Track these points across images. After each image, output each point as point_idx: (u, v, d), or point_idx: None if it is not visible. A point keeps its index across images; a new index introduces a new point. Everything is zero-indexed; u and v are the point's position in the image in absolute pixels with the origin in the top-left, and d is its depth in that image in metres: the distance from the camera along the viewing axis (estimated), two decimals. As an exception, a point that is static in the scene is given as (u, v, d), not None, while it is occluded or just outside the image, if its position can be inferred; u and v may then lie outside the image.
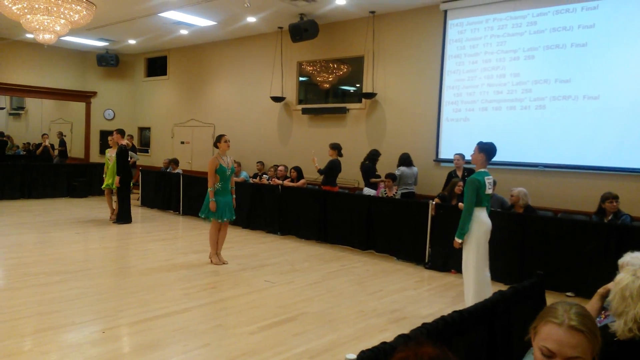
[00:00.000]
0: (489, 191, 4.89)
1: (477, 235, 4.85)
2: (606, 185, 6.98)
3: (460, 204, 7.04)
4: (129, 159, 9.94)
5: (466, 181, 5.00)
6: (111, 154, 9.83)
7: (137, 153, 13.93)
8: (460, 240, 4.90)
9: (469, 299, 4.80)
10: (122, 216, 9.68)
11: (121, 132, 9.80)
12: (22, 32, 12.15)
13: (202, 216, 6.90)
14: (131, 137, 13.35)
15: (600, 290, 2.61)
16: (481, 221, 4.86)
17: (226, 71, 13.21)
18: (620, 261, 2.56)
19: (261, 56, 12.16)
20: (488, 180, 4.88)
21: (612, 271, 2.53)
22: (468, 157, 8.14)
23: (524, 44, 8.20)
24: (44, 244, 7.74)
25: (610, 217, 6.21)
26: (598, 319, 2.60)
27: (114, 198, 9.86)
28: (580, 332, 1.51)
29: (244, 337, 4.28)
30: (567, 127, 7.77)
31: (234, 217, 7.03)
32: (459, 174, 8.04)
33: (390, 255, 7.70)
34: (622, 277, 2.17)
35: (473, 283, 4.84)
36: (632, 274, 2.14)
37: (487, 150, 4.92)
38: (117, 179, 9.52)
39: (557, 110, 7.87)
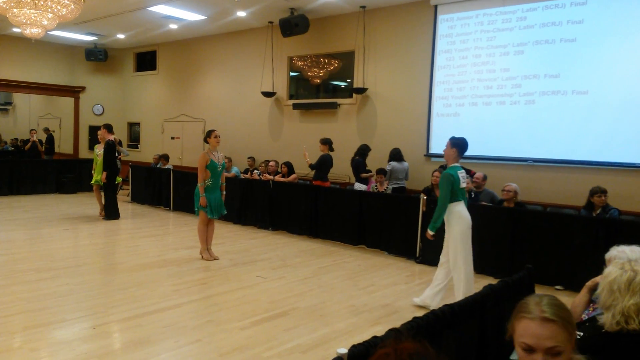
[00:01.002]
0: (463, 185, 4.94)
1: (462, 229, 4.88)
2: (595, 180, 7.04)
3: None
4: (118, 155, 9.86)
5: (440, 176, 5.01)
6: (99, 149, 9.75)
7: (127, 149, 13.83)
8: (432, 233, 4.93)
9: (460, 294, 4.81)
10: (109, 212, 9.62)
11: (108, 128, 9.71)
12: (8, 26, 12.00)
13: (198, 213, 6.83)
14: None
15: (589, 284, 2.64)
16: (462, 215, 4.91)
17: (216, 66, 13.14)
18: (607, 255, 2.58)
19: (251, 51, 12.11)
20: (461, 174, 4.94)
21: (600, 265, 2.55)
22: (476, 153, 8.13)
23: (513, 39, 8.23)
24: (33, 241, 7.68)
25: (598, 211, 6.28)
26: (586, 311, 2.63)
27: (103, 194, 9.80)
28: (554, 322, 1.54)
29: (235, 333, 4.28)
30: (556, 122, 7.83)
31: (226, 212, 7.02)
32: None
33: (382, 250, 7.73)
34: (610, 271, 2.19)
35: (464, 278, 4.86)
36: (619, 267, 2.16)
37: (459, 145, 4.97)
38: (103, 174, 9.46)
39: (547, 105, 7.92)
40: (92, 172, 10.03)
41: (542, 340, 1.53)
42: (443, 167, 8.10)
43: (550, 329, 1.53)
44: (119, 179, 9.92)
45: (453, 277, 4.99)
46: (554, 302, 1.60)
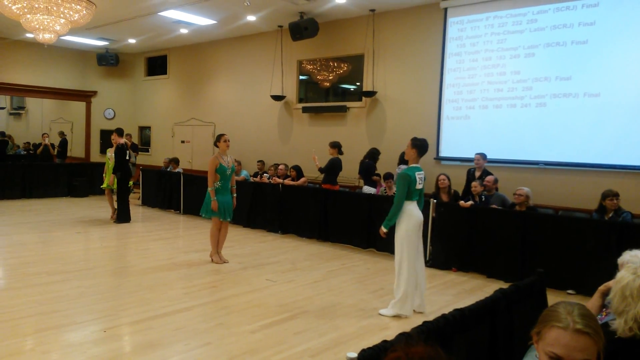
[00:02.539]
0: (419, 186, 5.04)
1: (407, 228, 4.99)
2: (607, 183, 6.97)
3: (461, 201, 7.08)
4: (129, 159, 9.93)
5: (397, 176, 5.13)
6: (111, 153, 9.83)
7: (138, 152, 13.94)
8: (385, 230, 5.04)
9: (401, 289, 4.95)
10: (121, 215, 9.69)
11: (119, 132, 9.79)
12: (22, 32, 12.14)
13: (203, 215, 6.89)
14: (130, 136, 13.36)
15: (601, 288, 2.61)
16: (411, 214, 5.00)
17: (226, 70, 13.20)
18: (620, 260, 2.56)
19: (261, 55, 12.15)
20: (419, 175, 5.04)
21: (612, 269, 2.52)
22: (490, 156, 8.07)
23: (524, 41, 8.18)
24: (45, 244, 7.75)
25: (610, 215, 6.20)
26: (599, 316, 2.60)
27: (115, 197, 9.86)
28: (587, 335, 1.50)
29: (244, 336, 4.29)
30: (568, 125, 7.77)
31: (232, 218, 7.00)
32: (477, 174, 7.93)
33: (391, 253, 7.62)
34: (623, 276, 2.16)
35: (406, 273, 4.95)
36: (632, 272, 2.14)
37: (419, 146, 5.13)
38: (111, 177, 9.54)
39: (558, 107, 7.86)
40: (104, 175, 10.10)
41: (573, 353, 1.50)
42: (470, 171, 8.00)
43: (582, 341, 1.50)
44: (130, 183, 9.99)
45: (396, 270, 5.07)
46: (585, 312, 1.57)
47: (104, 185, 9.99)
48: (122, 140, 9.67)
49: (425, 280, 5.28)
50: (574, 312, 1.55)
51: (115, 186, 9.67)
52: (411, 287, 4.94)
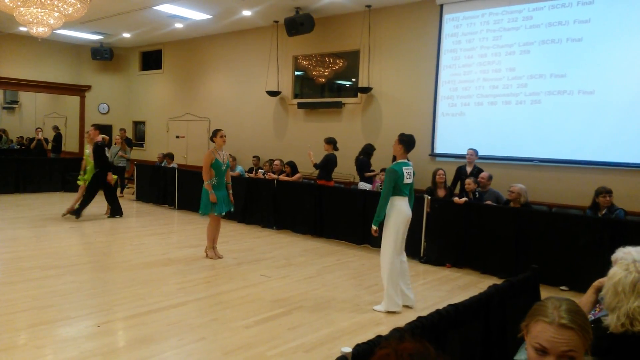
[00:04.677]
0: (407, 181, 5.05)
1: (396, 223, 5.01)
2: (600, 180, 7.00)
3: (455, 198, 7.10)
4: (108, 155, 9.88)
5: (385, 171, 5.16)
6: (89, 150, 9.63)
7: (132, 147, 13.86)
8: (375, 227, 5.07)
9: (385, 282, 5.02)
10: (112, 211, 9.74)
11: (98, 128, 9.69)
12: (15, 25, 12.05)
13: (202, 213, 6.82)
14: (124, 130, 13.31)
15: (595, 284, 2.62)
16: (400, 210, 5.03)
17: (221, 65, 13.16)
18: (614, 256, 2.57)
19: (257, 50, 12.12)
20: (407, 170, 5.05)
21: (605, 265, 2.53)
22: (482, 153, 8.14)
23: (519, 38, 8.20)
24: (39, 238, 7.71)
25: (604, 212, 6.25)
26: (592, 312, 2.62)
27: (104, 194, 9.71)
28: (572, 330, 1.54)
29: (239, 331, 4.29)
30: (562, 122, 7.80)
31: (233, 209, 7.03)
32: (469, 169, 7.98)
33: (386, 249, 7.70)
34: (615, 272, 2.18)
35: (388, 268, 5.00)
36: (624, 268, 2.15)
37: (406, 142, 5.12)
38: (82, 173, 9.64)
39: (553, 105, 7.88)
40: (81, 172, 9.89)
41: (557, 345, 1.54)
42: (461, 169, 8.04)
43: (566, 335, 1.54)
44: (114, 177, 9.88)
45: (380, 264, 5.12)
46: (572, 307, 1.60)
47: (80, 182, 9.72)
48: (99, 138, 9.50)
49: (408, 276, 5.27)
50: (562, 307, 1.59)
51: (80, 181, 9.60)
52: (396, 282, 4.97)
